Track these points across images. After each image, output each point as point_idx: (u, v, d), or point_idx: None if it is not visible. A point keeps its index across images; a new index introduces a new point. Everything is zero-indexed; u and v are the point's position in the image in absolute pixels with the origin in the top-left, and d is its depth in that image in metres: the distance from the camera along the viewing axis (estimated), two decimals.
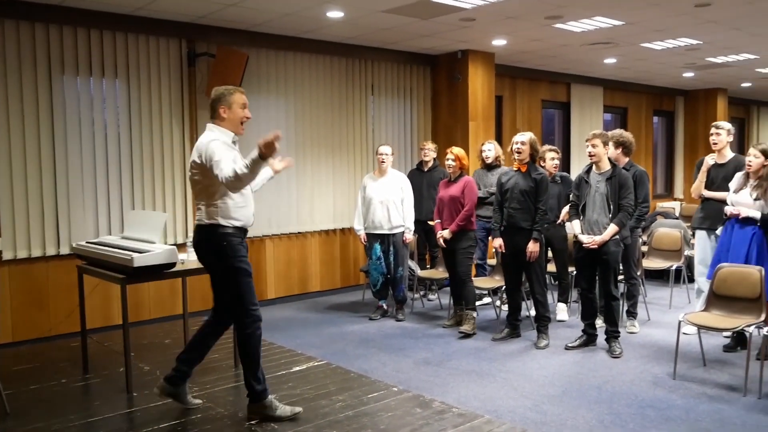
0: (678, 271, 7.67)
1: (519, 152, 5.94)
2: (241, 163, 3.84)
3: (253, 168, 3.81)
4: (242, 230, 4.15)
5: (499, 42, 8.25)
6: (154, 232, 4.90)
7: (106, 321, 6.54)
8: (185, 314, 5.78)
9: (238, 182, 3.85)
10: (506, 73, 10.03)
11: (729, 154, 6.08)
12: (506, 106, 10.29)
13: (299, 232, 8.11)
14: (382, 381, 4.86)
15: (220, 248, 4.05)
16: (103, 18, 6.38)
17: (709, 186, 6.08)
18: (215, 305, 4.34)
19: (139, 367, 5.33)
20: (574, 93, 11.31)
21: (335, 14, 6.66)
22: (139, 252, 4.55)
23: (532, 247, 5.84)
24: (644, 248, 8.15)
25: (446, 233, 6.39)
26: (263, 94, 7.62)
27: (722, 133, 6.06)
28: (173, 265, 4.65)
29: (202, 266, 4.64)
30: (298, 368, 5.19)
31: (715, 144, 6.09)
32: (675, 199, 13.63)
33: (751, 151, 5.41)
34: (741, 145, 16.08)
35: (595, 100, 11.71)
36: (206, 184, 4.02)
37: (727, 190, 5.90)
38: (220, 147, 3.96)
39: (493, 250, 6.57)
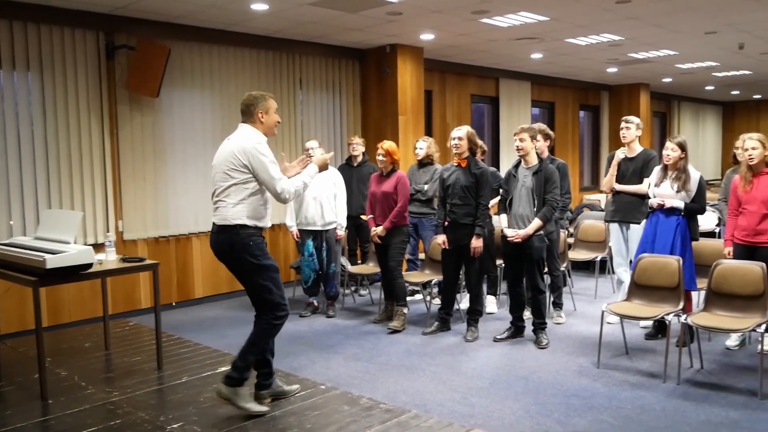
0: (603, 261, 7.85)
1: (457, 147, 5.91)
2: (306, 177, 4.25)
3: (311, 180, 4.32)
4: (261, 230, 4.21)
5: (427, 36, 8.26)
6: (69, 232, 4.71)
7: (22, 325, 6.23)
8: (105, 316, 5.59)
9: (298, 194, 4.24)
10: (436, 68, 10.07)
11: (638, 148, 6.23)
12: (436, 101, 10.33)
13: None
14: (310, 379, 4.79)
15: (248, 247, 4.06)
16: (14, 7, 6.09)
17: (619, 179, 6.22)
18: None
19: (55, 372, 5.10)
20: (503, 88, 11.45)
21: (259, 6, 6.53)
22: (53, 253, 4.35)
23: (476, 242, 5.84)
24: (570, 240, 8.31)
25: (380, 230, 6.35)
26: (187, 88, 7.42)
27: (632, 127, 6.19)
28: (90, 265, 4.46)
29: (121, 267, 4.49)
30: (224, 369, 5.04)
31: (625, 138, 6.22)
32: (600, 192, 13.95)
33: (668, 144, 5.55)
34: (663, 138, 16.61)
35: (523, 95, 11.89)
36: (241, 183, 4.04)
37: (636, 183, 6.07)
38: (271, 155, 4.08)
39: (430, 245, 6.57)
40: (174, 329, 6.44)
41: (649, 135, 14.37)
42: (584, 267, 8.79)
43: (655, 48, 9.58)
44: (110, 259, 4.97)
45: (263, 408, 4.25)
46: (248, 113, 4.21)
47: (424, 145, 7.24)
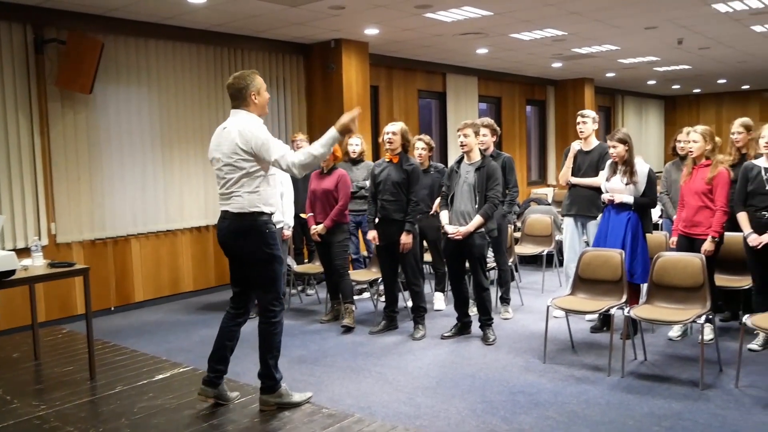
0: (550, 255, 7.88)
1: (390, 143, 5.85)
2: (318, 145, 3.92)
3: (331, 146, 3.97)
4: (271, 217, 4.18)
5: (371, 31, 8.15)
6: None
7: None
8: (34, 324, 5.34)
9: (313, 163, 3.97)
10: (382, 63, 9.98)
11: (594, 142, 6.25)
12: (383, 96, 10.24)
13: (168, 230, 7.71)
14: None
15: (264, 235, 4.04)
16: None
17: (576, 173, 6.22)
18: (236, 295, 4.34)
19: None
20: (450, 83, 11.42)
21: None
22: None
23: (405, 239, 5.78)
24: (517, 234, 8.33)
25: (320, 228, 6.23)
26: (123, 84, 7.16)
27: (588, 121, 6.21)
28: (13, 272, 4.23)
29: (49, 272, 4.26)
30: (161, 376, 4.88)
31: (582, 132, 6.24)
32: (548, 186, 14.09)
33: (610, 143, 5.56)
34: (608, 132, 16.85)
35: (470, 90, 11.88)
36: (251, 170, 3.97)
37: (592, 176, 6.08)
38: (271, 136, 3.99)
39: (366, 242, 6.48)
40: (112, 335, 6.21)
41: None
42: (532, 261, 8.83)
43: (597, 43, 9.66)
44: (37, 264, 4.73)
45: (307, 394, 4.39)
46: (240, 97, 4.07)
47: (359, 141, 7.17)
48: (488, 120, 6.48)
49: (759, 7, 7.57)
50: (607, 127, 16.91)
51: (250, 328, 6.40)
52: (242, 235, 4.03)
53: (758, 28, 8.88)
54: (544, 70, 12.48)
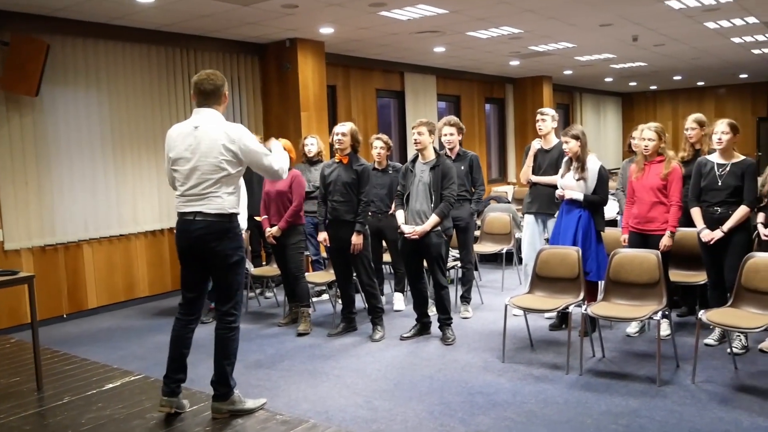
0: (509, 254, 7.87)
1: (340, 143, 5.78)
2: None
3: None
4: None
5: (326, 30, 8.06)
6: None
7: None
8: None
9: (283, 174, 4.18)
10: (339, 62, 9.90)
11: (554, 140, 6.25)
12: (340, 96, 10.15)
13: (122, 235, 7.53)
14: (205, 391, 4.52)
15: (238, 237, 4.02)
16: None
17: (536, 171, 6.22)
18: (189, 301, 4.16)
19: None
20: (408, 82, 11.38)
21: None
22: None
23: (356, 239, 5.72)
24: (477, 233, 8.31)
25: (275, 230, 6.13)
26: (71, 86, 6.96)
27: (547, 119, 6.21)
28: None
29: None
30: (111, 385, 4.73)
31: (541, 130, 6.23)
32: (508, 183, 14.14)
33: (563, 138, 5.58)
34: None
35: (428, 89, 11.86)
36: (233, 172, 3.92)
37: (553, 174, 6.07)
38: (253, 136, 4.03)
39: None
40: (63, 343, 6.02)
41: None
42: (492, 259, 8.82)
43: (553, 41, 9.71)
44: None
45: (261, 400, 4.30)
46: (215, 96, 3.99)
47: (315, 141, 7.10)
48: (454, 119, 6.45)
49: (711, 4, 7.67)
50: (566, 124, 17.05)
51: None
52: (218, 237, 3.91)
53: (711, 25, 9.00)
54: (503, 68, 12.51)
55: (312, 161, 7.11)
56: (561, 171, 5.70)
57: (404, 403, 4.37)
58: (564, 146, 5.56)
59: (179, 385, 4.14)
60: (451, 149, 6.36)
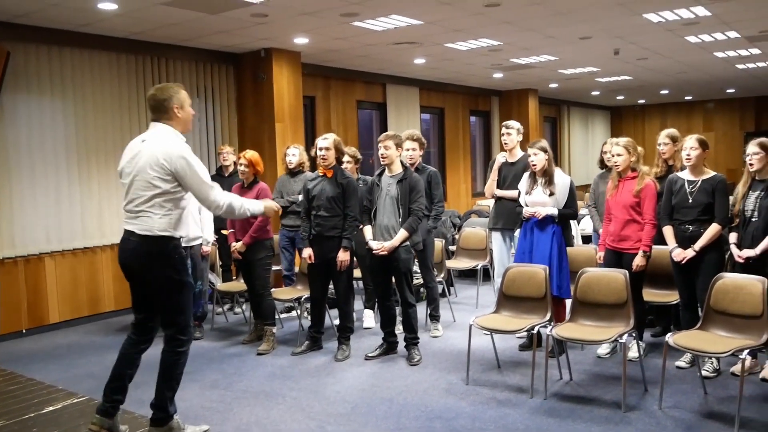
0: (486, 269, 7.70)
1: (324, 159, 5.58)
2: (248, 203, 4.05)
3: (254, 213, 4.17)
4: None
5: (301, 40, 7.92)
6: None
7: None
8: None
9: (228, 214, 4.01)
10: (318, 73, 9.76)
11: (519, 153, 6.11)
12: (320, 107, 10.00)
13: (86, 247, 7.34)
14: (147, 416, 4.33)
15: (173, 261, 3.79)
16: None
17: (501, 185, 6.07)
18: (139, 322, 4.04)
19: None
20: (390, 93, 11.24)
21: (108, 6, 6.03)
22: None
23: (343, 255, 5.53)
24: (453, 248, 8.16)
25: (239, 246, 5.95)
26: (34, 94, 6.79)
27: (512, 132, 6.07)
28: None
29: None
30: (51, 408, 4.53)
31: (507, 144, 6.09)
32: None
33: (530, 150, 5.41)
34: (554, 142, 16.91)
35: (411, 101, 11.72)
36: (169, 192, 3.74)
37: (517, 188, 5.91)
38: (198, 161, 3.82)
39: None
40: (17, 361, 5.83)
41: None
42: (471, 275, 8.64)
43: (534, 53, 9.58)
44: None
45: (203, 427, 4.17)
46: (162, 110, 3.83)
47: (297, 152, 6.90)
48: (416, 133, 6.29)
49: (690, 18, 7.55)
50: (553, 138, 16.95)
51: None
52: (148, 260, 3.76)
53: (692, 39, 8.88)
54: (487, 80, 12.39)
55: (293, 172, 6.91)
56: (524, 187, 5.54)
57: (358, 428, 4.19)
58: (532, 158, 5.40)
59: (115, 406, 3.95)
60: (411, 164, 6.20)
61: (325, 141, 5.61)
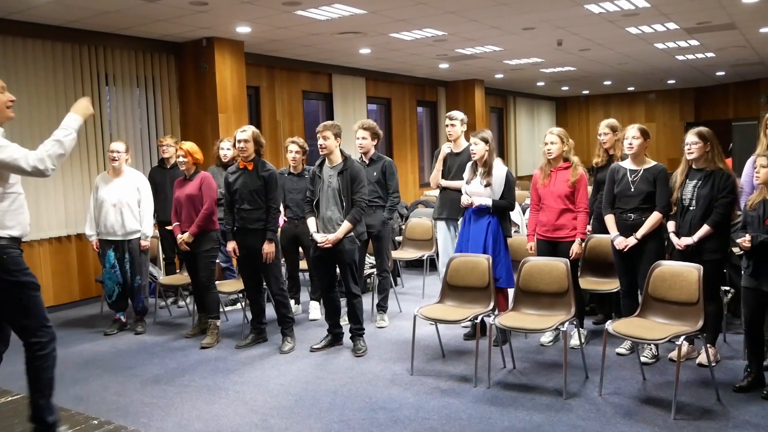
0: (432, 260, 7.72)
1: (243, 151, 5.50)
2: (61, 133, 3.55)
3: (74, 129, 3.65)
4: (18, 241, 3.63)
5: (243, 29, 7.79)
6: None
7: None
8: None
9: (63, 150, 3.54)
10: (263, 63, 9.63)
11: (464, 144, 6.13)
12: (264, 97, 9.88)
13: (23, 241, 7.07)
14: (84, 413, 4.23)
15: (2, 262, 3.48)
16: None
17: (446, 175, 6.09)
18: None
19: None
20: (336, 83, 11.18)
21: None
22: None
23: (268, 248, 5.48)
24: (399, 238, 8.16)
25: (186, 237, 5.84)
26: None
27: (456, 123, 6.08)
28: None
29: None
30: None
31: (450, 135, 6.11)
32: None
33: (472, 140, 5.44)
34: (500, 133, 17.07)
35: (357, 91, 11.68)
36: None
37: (463, 178, 5.94)
38: (8, 142, 3.48)
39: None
40: None
41: None
42: (417, 265, 8.66)
43: (479, 44, 9.63)
44: None
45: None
46: None
47: (231, 145, 6.79)
48: (369, 122, 6.26)
49: (630, 9, 7.68)
50: (499, 128, 17.12)
51: (108, 345, 6.01)
52: None
53: (633, 30, 9.05)
54: (433, 71, 12.42)
55: (226, 165, 6.81)
56: (466, 176, 5.57)
57: (302, 420, 4.16)
58: (472, 147, 5.42)
59: None
60: (364, 153, 6.18)
61: (244, 133, 5.51)
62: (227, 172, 5.76)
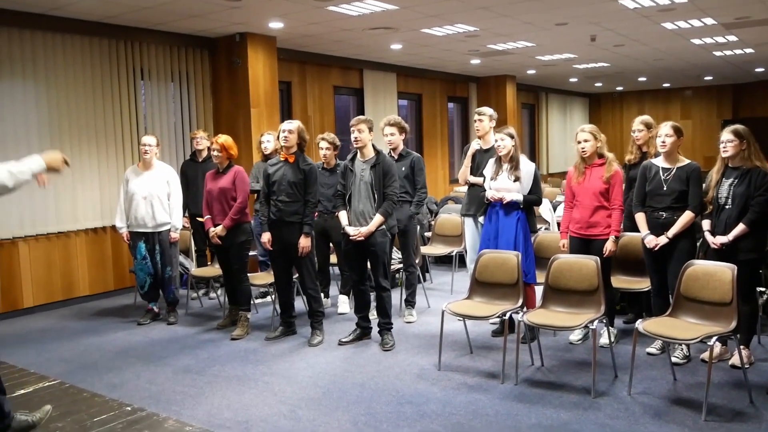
0: (461, 256, 7.71)
1: (286, 140, 5.57)
2: (17, 168, 3.50)
3: (29, 173, 3.56)
4: None
5: (276, 25, 7.85)
6: None
7: None
8: None
9: (1, 189, 3.46)
10: (295, 59, 9.69)
11: (492, 140, 6.10)
12: (296, 93, 9.94)
13: (60, 232, 7.27)
14: (118, 400, 4.32)
15: None
16: None
17: (474, 171, 6.08)
18: None
19: None
20: (367, 79, 11.19)
21: None
22: None
23: (304, 241, 5.52)
24: (428, 234, 8.17)
25: (219, 230, 5.90)
26: (6, 78, 6.69)
27: (484, 119, 6.06)
28: None
29: None
30: (23, 391, 4.51)
31: (478, 130, 6.09)
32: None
33: (497, 136, 5.44)
34: (532, 129, 16.96)
35: (388, 87, 11.68)
36: None
37: None
38: None
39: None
40: None
41: (518, 127, 14.54)
42: (446, 261, 8.66)
43: (511, 39, 9.57)
44: None
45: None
46: None
47: (272, 138, 6.86)
48: (394, 117, 6.28)
49: (666, 4, 7.57)
50: (531, 125, 17.00)
51: (141, 334, 6.13)
52: None
53: (669, 25, 8.92)
54: (464, 66, 12.37)
55: (267, 158, 6.88)
56: (489, 172, 5.56)
57: (329, 412, 4.20)
58: (498, 143, 5.42)
59: None
60: (393, 149, 6.20)
61: (290, 125, 5.61)
62: (267, 164, 5.82)
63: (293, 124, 5.60)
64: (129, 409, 4.25)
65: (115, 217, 6.60)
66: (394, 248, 6.61)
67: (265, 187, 5.72)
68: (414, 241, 6.42)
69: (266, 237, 5.69)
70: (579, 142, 5.21)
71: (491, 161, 5.58)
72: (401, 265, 6.49)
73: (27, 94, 6.88)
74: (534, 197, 5.40)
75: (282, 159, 5.64)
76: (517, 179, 5.34)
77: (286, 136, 5.56)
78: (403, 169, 6.13)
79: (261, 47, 8.40)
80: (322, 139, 6.42)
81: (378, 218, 5.37)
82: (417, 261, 6.68)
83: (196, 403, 4.42)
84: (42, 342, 5.98)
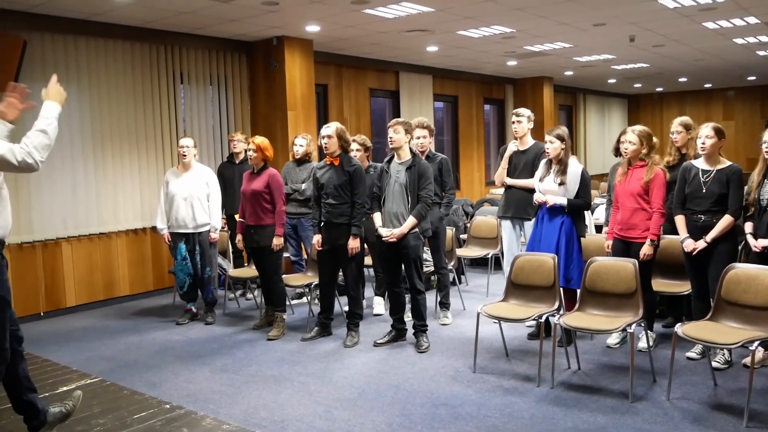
0: (497, 258, 7.68)
1: (326, 147, 5.61)
2: (43, 123, 3.27)
3: (54, 117, 3.35)
4: (2, 244, 3.36)
5: (312, 28, 7.91)
6: None
7: None
8: None
9: (46, 148, 3.26)
10: (331, 61, 9.75)
11: (530, 141, 6.08)
12: (332, 95, 10.01)
13: (102, 233, 7.42)
14: (157, 398, 4.39)
15: None
16: None
17: (511, 173, 6.05)
18: None
19: None
20: (403, 81, 11.21)
21: None
22: None
23: (353, 243, 5.56)
24: (464, 236, 8.15)
25: (276, 241, 5.95)
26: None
27: (523, 120, 6.03)
28: None
29: None
30: (65, 388, 4.61)
31: (516, 131, 6.06)
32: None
33: (547, 137, 5.38)
34: (570, 131, 16.78)
35: (424, 89, 11.68)
36: None
37: (528, 177, 5.89)
38: None
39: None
40: (35, 343, 5.90)
41: None
42: (482, 263, 8.63)
43: (548, 40, 9.51)
44: None
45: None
46: None
47: (304, 142, 6.94)
48: (422, 120, 6.29)
49: (707, 3, 7.45)
50: (569, 126, 16.83)
51: (179, 334, 6.22)
52: None
53: (710, 25, 8.77)
54: (501, 68, 12.31)
55: (299, 162, 6.97)
56: (539, 174, 5.51)
57: (364, 413, 4.22)
58: (547, 146, 5.37)
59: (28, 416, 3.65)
60: (422, 152, 6.21)
61: (327, 129, 5.64)
62: (315, 167, 5.89)
63: (330, 129, 5.62)
64: (168, 406, 4.33)
65: (155, 219, 6.73)
66: (426, 250, 6.62)
67: (315, 190, 5.77)
68: (444, 243, 6.41)
69: (316, 238, 5.74)
70: (622, 142, 5.15)
71: (542, 162, 5.54)
72: (432, 268, 6.49)
73: (70, 98, 7.01)
74: (580, 201, 5.30)
75: (328, 162, 5.68)
76: (562, 183, 5.28)
77: (326, 144, 5.60)
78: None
79: (298, 50, 8.48)
80: (353, 141, 6.45)
81: (411, 220, 5.38)
82: (452, 263, 6.67)
83: (233, 402, 4.47)
84: (84, 340, 6.11)
